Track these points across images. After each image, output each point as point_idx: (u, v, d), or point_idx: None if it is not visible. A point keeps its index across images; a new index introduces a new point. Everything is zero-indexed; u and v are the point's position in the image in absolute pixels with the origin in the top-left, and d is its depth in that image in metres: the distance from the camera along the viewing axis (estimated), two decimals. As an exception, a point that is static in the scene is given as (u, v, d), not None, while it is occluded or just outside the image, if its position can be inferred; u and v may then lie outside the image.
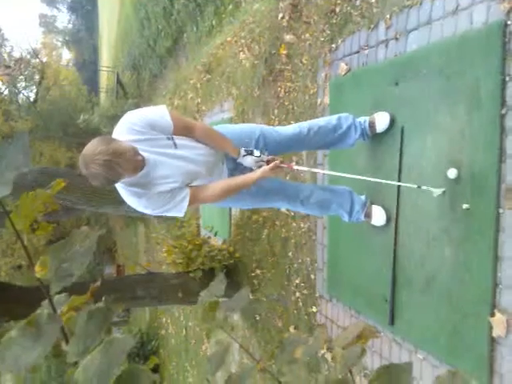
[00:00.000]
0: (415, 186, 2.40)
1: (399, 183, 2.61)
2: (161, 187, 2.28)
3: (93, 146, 2.01)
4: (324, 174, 3.44)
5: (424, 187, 2.35)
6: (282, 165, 2.50)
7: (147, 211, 2.35)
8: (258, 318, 4.83)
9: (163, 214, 2.40)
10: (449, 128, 2.38)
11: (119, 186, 2.29)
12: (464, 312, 2.30)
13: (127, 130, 2.21)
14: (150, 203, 2.29)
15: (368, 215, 2.88)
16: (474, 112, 2.23)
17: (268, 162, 2.46)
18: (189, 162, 2.35)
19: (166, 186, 2.28)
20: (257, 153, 2.47)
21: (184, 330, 8.09)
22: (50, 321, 0.72)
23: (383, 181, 2.54)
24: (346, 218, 2.91)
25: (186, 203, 2.33)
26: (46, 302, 0.76)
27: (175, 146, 2.31)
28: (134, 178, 2.22)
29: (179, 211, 2.35)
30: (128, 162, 2.05)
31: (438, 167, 2.44)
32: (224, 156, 2.57)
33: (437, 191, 2.31)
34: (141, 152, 2.18)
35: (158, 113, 2.30)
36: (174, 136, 2.33)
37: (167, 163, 2.28)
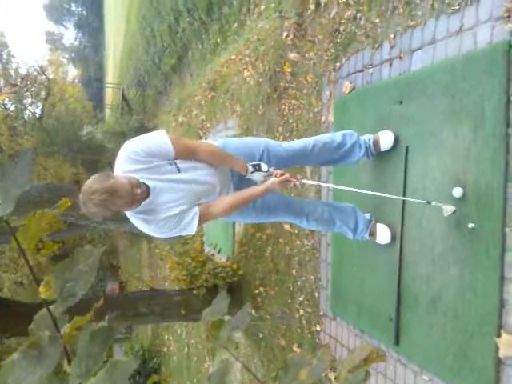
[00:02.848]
0: (424, 202, 2.38)
1: (409, 198, 2.57)
2: (167, 212, 2.28)
3: (89, 184, 2.04)
4: (329, 191, 3.45)
5: (434, 203, 2.34)
6: (291, 179, 2.50)
7: (157, 235, 2.37)
8: (261, 336, 4.78)
9: (175, 236, 2.41)
10: (454, 147, 2.37)
11: (128, 214, 2.31)
12: (470, 332, 2.27)
13: (128, 160, 2.21)
14: (158, 228, 2.31)
15: (373, 234, 2.87)
16: (479, 131, 2.23)
17: (276, 176, 2.46)
18: (193, 183, 2.35)
19: (173, 210, 2.28)
20: (264, 168, 2.47)
21: (186, 348, 8.03)
22: (51, 343, 0.72)
23: (392, 196, 2.53)
24: (350, 236, 2.91)
25: (195, 222, 2.34)
26: (39, 316, 0.75)
27: (178, 170, 2.31)
28: (140, 206, 2.23)
29: (190, 231, 2.36)
30: (123, 199, 2.06)
31: (443, 186, 2.43)
32: (230, 172, 2.57)
33: (447, 209, 2.29)
34: (143, 180, 2.19)
35: (158, 139, 2.28)
36: (177, 160, 2.32)
37: (171, 189, 2.28)
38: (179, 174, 2.31)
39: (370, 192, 2.56)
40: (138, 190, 2.13)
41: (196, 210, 2.34)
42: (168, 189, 2.27)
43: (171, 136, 2.30)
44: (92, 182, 2.05)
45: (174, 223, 2.29)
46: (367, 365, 0.83)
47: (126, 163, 2.20)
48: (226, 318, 0.92)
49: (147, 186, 2.21)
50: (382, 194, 2.52)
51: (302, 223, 2.85)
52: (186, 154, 2.36)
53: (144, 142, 2.26)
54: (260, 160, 2.58)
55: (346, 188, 2.67)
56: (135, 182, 2.14)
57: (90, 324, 0.77)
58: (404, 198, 2.57)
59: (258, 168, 2.46)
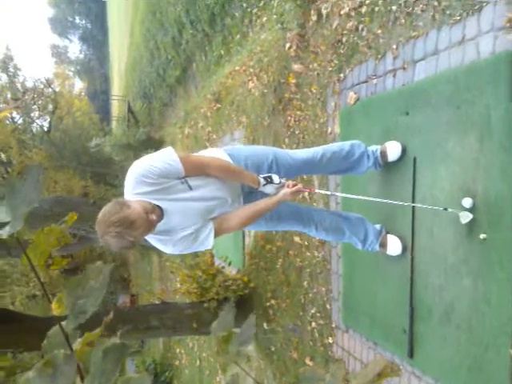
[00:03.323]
0: (441, 209, 2.36)
1: (425, 205, 2.52)
2: (182, 232, 2.28)
3: (105, 216, 2.01)
4: (337, 203, 3.42)
5: (450, 209, 2.31)
6: (304, 189, 2.50)
7: (175, 253, 2.39)
8: (273, 349, 4.76)
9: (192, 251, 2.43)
10: (461, 157, 2.36)
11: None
12: (484, 344, 2.25)
13: (138, 183, 2.16)
14: (176, 247, 2.32)
15: (383, 245, 2.85)
16: (485, 141, 2.21)
17: (288, 187, 2.44)
18: (206, 200, 2.33)
19: (188, 230, 2.28)
20: (276, 179, 2.43)
21: (198, 361, 8.00)
22: (66, 361, 0.72)
23: (408, 203, 2.50)
24: (359, 247, 2.89)
25: (211, 237, 2.34)
26: (52, 332, 0.76)
27: (190, 188, 2.27)
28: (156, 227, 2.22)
29: (207, 246, 2.36)
30: (139, 229, 2.04)
31: (453, 196, 2.41)
32: (239, 184, 2.53)
33: (464, 216, 2.27)
34: (156, 202, 2.17)
35: (166, 159, 2.21)
36: (187, 178, 2.27)
37: (184, 208, 2.25)
38: (190, 192, 2.27)
39: (383, 200, 2.54)
40: (153, 216, 2.11)
41: (211, 226, 2.33)
42: (181, 208, 2.25)
43: (180, 153, 2.25)
44: (107, 214, 2.01)
45: (190, 241, 2.30)
46: (381, 379, 0.82)
47: (137, 186, 2.17)
48: (235, 330, 0.92)
49: (161, 209, 2.19)
50: (400, 203, 2.50)
51: (311, 232, 2.84)
52: (196, 171, 2.31)
53: (152, 162, 2.19)
54: (269, 169, 2.55)
55: (359, 197, 2.64)
56: (149, 207, 2.11)
57: (103, 340, 0.77)
58: (420, 205, 2.54)
59: (269, 180, 2.43)
